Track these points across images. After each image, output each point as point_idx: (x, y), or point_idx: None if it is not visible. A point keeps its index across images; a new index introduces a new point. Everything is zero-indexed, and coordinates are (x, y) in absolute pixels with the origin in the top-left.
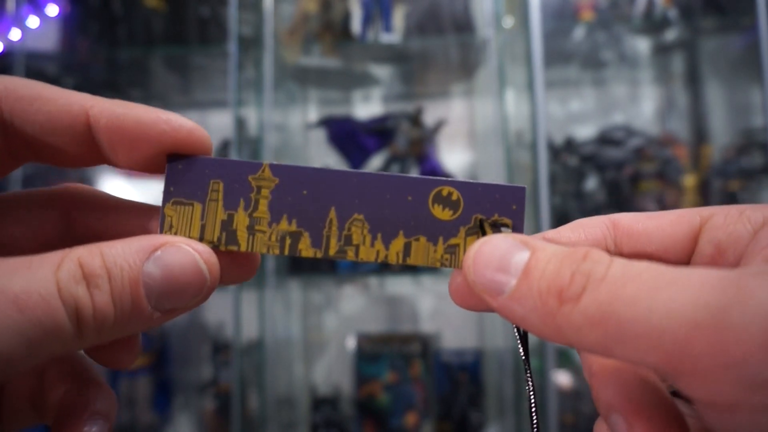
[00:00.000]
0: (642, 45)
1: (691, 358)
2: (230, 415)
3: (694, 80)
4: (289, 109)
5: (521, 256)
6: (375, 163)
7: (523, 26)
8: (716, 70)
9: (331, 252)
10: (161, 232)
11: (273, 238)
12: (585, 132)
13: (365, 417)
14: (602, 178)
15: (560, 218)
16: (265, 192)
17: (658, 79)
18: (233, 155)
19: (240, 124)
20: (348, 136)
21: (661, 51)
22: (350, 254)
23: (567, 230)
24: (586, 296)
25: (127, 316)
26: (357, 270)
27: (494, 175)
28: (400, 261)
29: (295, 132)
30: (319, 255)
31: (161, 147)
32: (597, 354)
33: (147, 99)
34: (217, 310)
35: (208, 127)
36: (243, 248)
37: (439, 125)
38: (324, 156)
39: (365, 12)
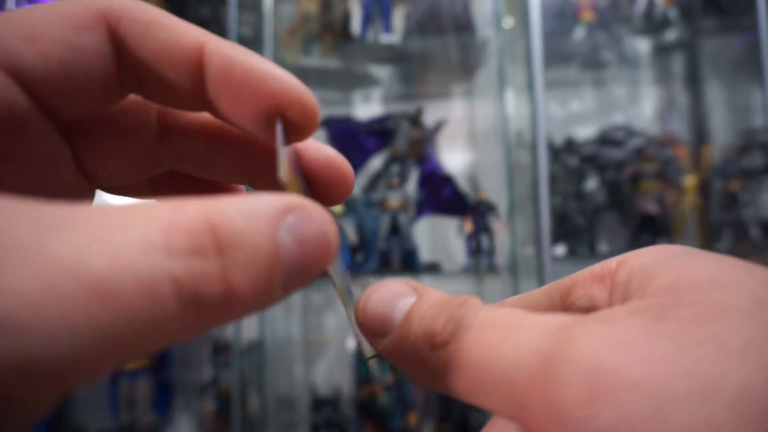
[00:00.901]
0: (642, 45)
1: (530, 410)
2: (230, 416)
3: (694, 80)
4: None
5: (407, 301)
6: (375, 163)
7: (523, 26)
8: (716, 70)
9: None
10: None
11: None
12: (585, 132)
13: (365, 418)
14: (602, 178)
15: (560, 219)
16: None
17: (658, 80)
18: None
19: None
20: (348, 136)
21: (662, 51)
22: None
23: None
24: (453, 343)
25: (256, 301)
26: (357, 270)
27: (494, 175)
28: None
29: None
30: None
31: (266, 105)
32: (473, 403)
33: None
34: None
35: None
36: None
37: (439, 126)
38: None
39: (365, 12)
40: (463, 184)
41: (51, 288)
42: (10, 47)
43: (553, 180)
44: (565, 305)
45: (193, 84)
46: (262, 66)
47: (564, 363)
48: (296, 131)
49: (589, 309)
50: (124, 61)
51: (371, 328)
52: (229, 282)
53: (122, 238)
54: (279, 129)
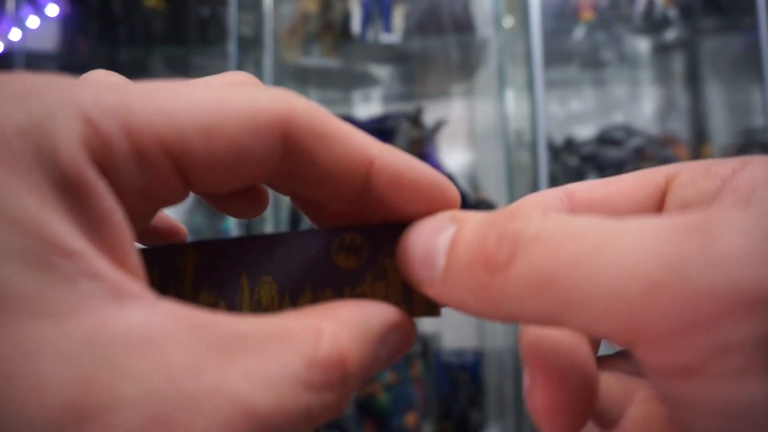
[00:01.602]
0: (642, 45)
1: (650, 322)
2: None
3: (694, 80)
4: None
5: (448, 233)
6: None
7: (523, 26)
8: (716, 70)
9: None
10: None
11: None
12: (585, 132)
13: (365, 417)
14: (602, 178)
15: None
16: (189, 270)
17: (658, 79)
18: None
19: None
20: None
21: (661, 51)
22: None
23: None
24: (519, 261)
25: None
26: None
27: (494, 174)
28: None
29: None
30: None
31: (423, 209)
32: (548, 326)
33: None
34: None
35: None
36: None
37: (439, 125)
38: None
39: (365, 12)
40: (463, 184)
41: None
42: (186, 138)
43: (553, 180)
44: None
45: (351, 190)
46: (428, 178)
47: (707, 266)
48: None
49: (694, 203)
50: (288, 166)
51: (417, 277)
52: (341, 406)
53: (276, 372)
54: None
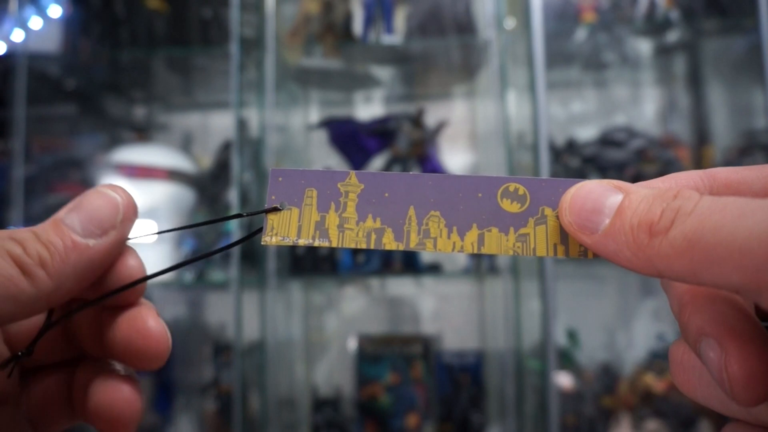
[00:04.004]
0: (644, 46)
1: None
2: (231, 416)
3: (695, 81)
4: (291, 110)
5: (615, 198)
6: (376, 164)
7: (525, 27)
8: (718, 71)
9: (412, 244)
10: (264, 234)
11: (360, 234)
12: (586, 133)
13: (366, 418)
14: (604, 179)
15: None
16: (352, 196)
17: (659, 81)
18: (234, 156)
19: (241, 125)
20: (349, 137)
21: (663, 52)
22: (429, 246)
23: (658, 182)
24: (675, 228)
25: (62, 252)
26: (358, 271)
27: None
28: (475, 250)
29: (297, 133)
30: (401, 247)
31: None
32: (685, 281)
33: (149, 100)
34: (219, 311)
35: (209, 128)
36: (334, 243)
37: (440, 126)
38: (325, 157)
39: (367, 13)
40: None
41: None
42: None
43: None
44: None
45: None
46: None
47: None
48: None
49: None
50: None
51: (580, 224)
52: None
53: None
54: (270, 180)
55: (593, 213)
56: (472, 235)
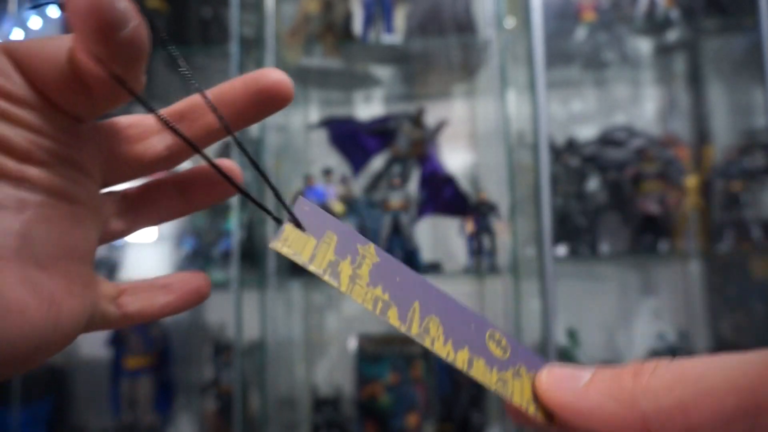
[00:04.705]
0: (644, 45)
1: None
2: (231, 416)
3: (696, 81)
4: (291, 109)
5: (587, 372)
6: (376, 163)
7: (525, 27)
8: (718, 70)
9: (413, 331)
10: (276, 238)
11: (368, 296)
12: (586, 133)
13: (366, 418)
14: (604, 178)
15: (561, 219)
16: (368, 261)
17: (659, 80)
18: (234, 156)
19: None
20: (349, 137)
21: (663, 51)
22: (428, 342)
23: None
24: (660, 368)
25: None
26: None
27: (495, 176)
28: (465, 369)
29: (297, 133)
30: (404, 328)
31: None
32: (673, 421)
33: (149, 99)
34: (219, 310)
35: None
36: (343, 288)
37: (440, 126)
38: (325, 156)
39: (366, 13)
40: (464, 185)
41: None
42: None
43: (555, 180)
44: None
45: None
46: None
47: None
48: None
49: None
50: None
51: (558, 384)
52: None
53: None
54: (295, 205)
55: (572, 378)
56: (464, 354)
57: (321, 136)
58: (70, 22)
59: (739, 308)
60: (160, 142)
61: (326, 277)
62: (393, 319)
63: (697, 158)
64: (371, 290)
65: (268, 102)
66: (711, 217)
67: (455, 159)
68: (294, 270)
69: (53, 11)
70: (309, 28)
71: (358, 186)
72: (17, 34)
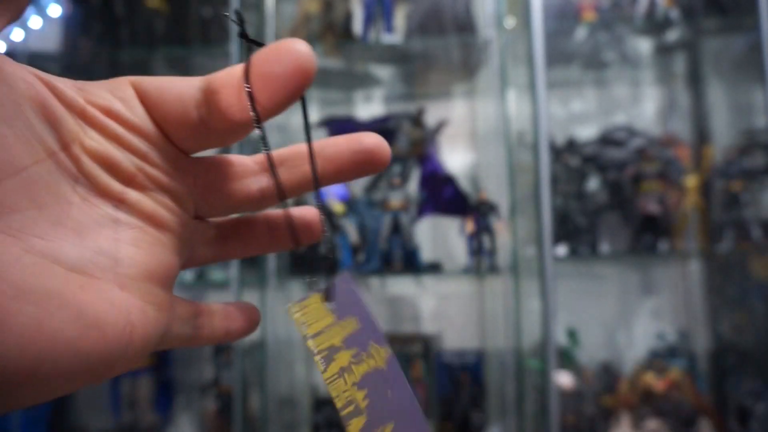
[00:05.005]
0: (644, 45)
1: None
2: (232, 416)
3: (696, 80)
4: (291, 109)
5: None
6: None
7: (525, 27)
8: (718, 70)
9: None
10: (294, 301)
11: (346, 393)
12: (586, 132)
13: None
14: (604, 178)
15: (561, 219)
16: (372, 363)
17: (659, 80)
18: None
19: None
20: None
21: (663, 51)
22: None
23: None
24: None
25: None
26: (359, 270)
27: (496, 175)
28: None
29: (297, 132)
30: None
31: None
32: None
33: None
34: None
35: None
36: (325, 375)
37: (440, 126)
38: None
39: (367, 12)
40: (464, 184)
41: None
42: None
43: (555, 180)
44: None
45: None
46: None
47: None
48: None
49: None
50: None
51: None
52: None
53: None
54: (335, 281)
55: None
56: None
57: (321, 136)
58: (257, 73)
59: (739, 308)
60: (254, 183)
61: (316, 358)
62: (353, 428)
63: (697, 158)
64: (353, 390)
65: (367, 163)
66: (711, 217)
67: (455, 159)
68: (294, 270)
69: (53, 10)
70: (309, 28)
71: (358, 186)
72: (18, 34)
